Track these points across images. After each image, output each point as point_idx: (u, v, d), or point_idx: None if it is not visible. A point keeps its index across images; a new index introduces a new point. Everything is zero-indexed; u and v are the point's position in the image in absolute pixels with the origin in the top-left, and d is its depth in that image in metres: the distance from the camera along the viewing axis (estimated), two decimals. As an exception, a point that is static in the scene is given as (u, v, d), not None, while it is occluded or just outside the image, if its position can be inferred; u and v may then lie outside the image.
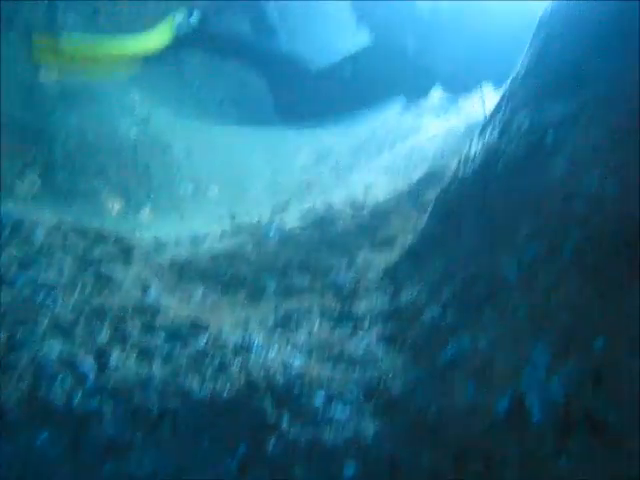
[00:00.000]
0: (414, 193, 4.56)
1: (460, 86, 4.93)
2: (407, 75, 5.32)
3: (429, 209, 3.46)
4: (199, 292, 3.69)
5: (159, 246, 4.96)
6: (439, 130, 6.17)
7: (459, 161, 3.27)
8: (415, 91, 5.44)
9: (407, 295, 3.02)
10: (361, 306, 3.23)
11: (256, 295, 3.77)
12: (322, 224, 4.74)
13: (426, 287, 2.91)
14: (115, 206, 6.05)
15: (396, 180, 5.38)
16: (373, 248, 3.95)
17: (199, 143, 7.21)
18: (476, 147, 3.17)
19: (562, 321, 2.06)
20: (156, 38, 5.95)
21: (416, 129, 6.56)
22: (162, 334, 2.89)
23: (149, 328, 2.90)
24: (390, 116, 7.16)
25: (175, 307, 3.23)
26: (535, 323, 2.17)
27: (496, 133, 3.03)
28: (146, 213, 6.12)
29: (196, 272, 3.97)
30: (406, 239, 3.67)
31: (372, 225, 4.34)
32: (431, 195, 4.19)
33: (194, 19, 5.87)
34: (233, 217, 5.85)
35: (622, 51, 2.65)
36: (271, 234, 4.81)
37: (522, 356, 2.11)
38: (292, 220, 5.07)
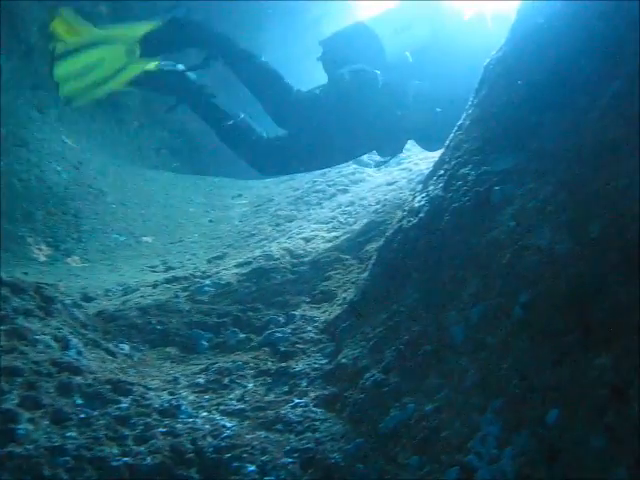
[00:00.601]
0: (355, 244, 4.44)
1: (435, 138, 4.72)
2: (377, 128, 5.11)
3: (371, 262, 3.32)
4: (126, 348, 3.44)
5: (86, 297, 4.70)
6: (380, 182, 6.10)
7: (402, 213, 3.15)
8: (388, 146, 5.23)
9: (347, 354, 2.85)
10: (299, 365, 3.04)
11: (188, 351, 3.54)
12: (260, 276, 4.56)
13: (368, 346, 2.74)
14: (42, 253, 5.75)
15: (337, 231, 5.26)
16: (312, 303, 3.78)
17: (134, 191, 6.97)
18: (420, 199, 3.05)
19: (512, 389, 1.91)
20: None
21: (357, 181, 6.48)
22: (80, 397, 2.63)
23: (65, 390, 2.64)
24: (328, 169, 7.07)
25: (97, 366, 2.97)
26: (484, 390, 2.02)
27: (441, 186, 2.93)
28: (75, 261, 5.84)
29: (124, 327, 3.73)
30: (347, 294, 3.52)
31: (312, 278, 4.19)
32: (373, 247, 4.08)
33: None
34: (167, 268, 5.64)
35: (568, 104, 2.59)
36: (206, 286, 4.61)
37: (471, 426, 1.95)
38: (229, 272, 4.88)
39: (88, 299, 4.69)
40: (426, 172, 6.04)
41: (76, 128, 7.09)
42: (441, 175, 3.04)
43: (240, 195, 7.55)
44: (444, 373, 2.24)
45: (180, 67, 5.90)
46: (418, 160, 6.48)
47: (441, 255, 2.66)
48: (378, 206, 5.33)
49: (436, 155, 6.73)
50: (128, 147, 7.81)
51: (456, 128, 3.23)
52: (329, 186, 6.50)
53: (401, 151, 5.65)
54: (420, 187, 3.32)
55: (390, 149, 5.43)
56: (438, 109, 4.79)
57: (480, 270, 2.36)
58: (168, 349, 3.57)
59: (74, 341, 3.08)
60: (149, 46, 5.72)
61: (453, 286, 2.49)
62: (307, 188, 6.69)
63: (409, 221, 3.00)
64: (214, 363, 3.24)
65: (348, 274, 3.89)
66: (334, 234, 5.21)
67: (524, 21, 2.92)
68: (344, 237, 4.92)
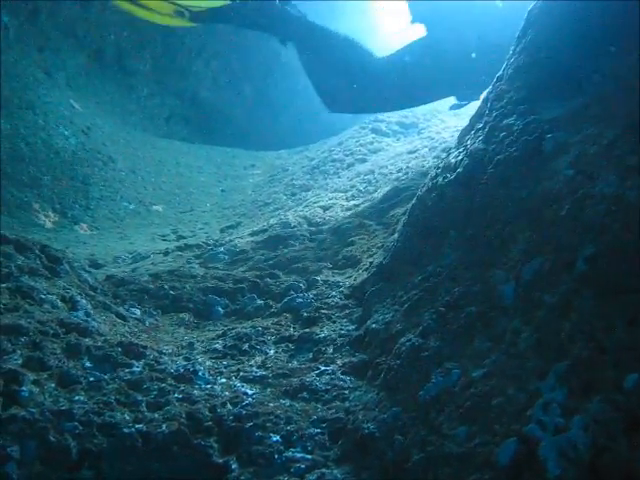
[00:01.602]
0: (378, 211, 4.21)
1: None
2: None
3: (401, 223, 3.09)
4: (137, 312, 3.23)
5: (94, 264, 4.49)
6: (401, 151, 5.85)
7: (436, 170, 2.91)
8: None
9: (378, 319, 2.62)
10: (323, 331, 2.82)
11: (202, 318, 3.33)
12: (277, 244, 4.34)
13: (401, 310, 2.51)
14: (48, 220, 5.54)
15: (356, 199, 5.03)
16: (335, 269, 3.56)
17: (144, 158, 6.74)
18: (457, 154, 2.81)
19: (578, 351, 1.68)
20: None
21: (376, 150, 6.24)
22: (88, 359, 2.42)
23: (73, 352, 2.42)
24: (347, 137, 6.84)
25: (106, 328, 2.75)
26: (543, 353, 1.79)
27: (481, 139, 2.69)
28: (83, 229, 5.62)
29: (134, 291, 3.51)
30: (373, 258, 3.29)
31: (332, 244, 3.96)
32: (398, 212, 3.85)
33: None
34: (178, 236, 5.43)
35: (621, 49, 2.35)
36: (220, 253, 4.39)
37: (529, 392, 1.73)
38: (243, 240, 4.67)
39: (97, 266, 4.49)
40: (450, 140, 5.84)
41: (85, 92, 6.86)
42: (480, 128, 2.79)
43: (253, 165, 7.32)
44: (493, 336, 2.01)
45: None
46: (440, 129, 6.23)
47: (484, 211, 2.42)
48: (400, 174, 5.09)
49: (459, 124, 6.52)
50: (138, 114, 7.57)
51: (495, 80, 2.98)
52: (346, 155, 6.26)
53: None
54: (453, 145, 3.07)
55: (471, 92, 5.21)
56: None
57: (532, 224, 2.13)
58: (182, 315, 3.36)
59: (82, 302, 2.86)
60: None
61: (499, 243, 2.25)
62: (323, 157, 6.45)
63: (445, 177, 2.76)
64: (232, 329, 3.03)
65: (373, 239, 3.66)
66: (354, 202, 4.98)
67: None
68: (365, 204, 4.68)
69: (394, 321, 2.51)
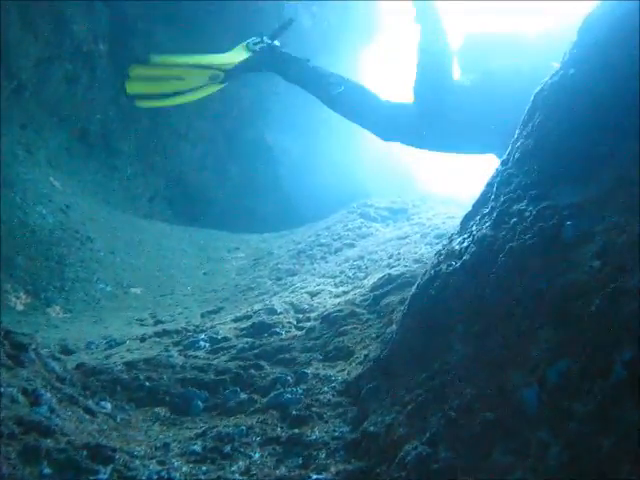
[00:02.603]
0: (370, 298, 3.98)
1: None
2: None
3: (399, 314, 2.85)
4: (108, 407, 2.93)
5: (65, 350, 4.20)
6: (390, 237, 5.68)
7: (438, 258, 2.71)
8: None
9: (377, 421, 2.35)
10: (314, 433, 2.54)
11: (180, 413, 3.03)
12: (261, 331, 4.08)
13: (404, 412, 2.25)
14: (19, 302, 5.24)
15: (345, 286, 4.81)
16: (326, 361, 3.29)
17: (124, 239, 6.52)
18: (462, 241, 2.61)
19: (624, 476, 1.43)
20: (231, 57, 5.79)
21: (364, 235, 6.07)
22: (48, 465, 2.12)
23: (31, 456, 2.12)
24: (335, 221, 6.69)
25: (72, 426, 2.46)
26: (578, 473, 1.53)
27: (488, 225, 2.50)
28: (56, 312, 5.33)
29: (106, 382, 3.22)
30: (368, 350, 3.04)
31: (322, 334, 3.71)
32: (393, 301, 3.62)
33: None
34: (156, 321, 5.15)
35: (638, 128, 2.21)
36: (201, 340, 4.12)
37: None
38: (226, 326, 4.40)
39: (67, 352, 4.19)
40: (442, 227, 5.69)
41: (66, 171, 6.68)
42: (487, 214, 2.61)
43: (237, 248, 7.11)
44: (515, 448, 1.76)
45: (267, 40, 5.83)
46: (430, 216, 6.09)
47: (496, 303, 2.20)
48: (391, 260, 4.89)
49: (449, 211, 6.41)
50: (120, 194, 7.38)
51: (500, 164, 2.83)
52: (334, 240, 6.08)
53: None
54: (455, 231, 2.88)
55: None
56: None
57: (555, 320, 1.90)
58: (157, 409, 3.06)
59: (47, 396, 2.56)
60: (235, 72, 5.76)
61: (516, 340, 2.02)
62: (310, 242, 6.27)
63: (449, 265, 2.55)
64: (212, 427, 2.73)
65: (366, 329, 3.41)
66: (343, 289, 4.76)
67: (588, 41, 2.54)
68: (355, 291, 4.46)
69: (395, 424, 2.24)
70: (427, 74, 4.98)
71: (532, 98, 2.79)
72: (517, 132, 2.82)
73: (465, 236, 2.66)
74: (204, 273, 6.37)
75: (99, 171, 7.15)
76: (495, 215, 2.52)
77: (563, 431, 1.66)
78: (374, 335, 3.24)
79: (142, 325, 5.04)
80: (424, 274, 2.77)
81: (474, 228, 2.65)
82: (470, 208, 2.92)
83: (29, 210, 5.79)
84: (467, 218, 2.84)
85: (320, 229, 6.57)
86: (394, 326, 2.81)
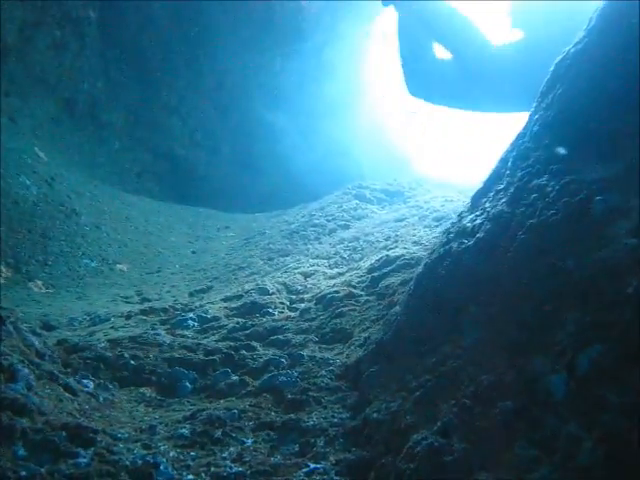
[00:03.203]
0: (368, 280, 3.81)
1: None
2: None
3: (404, 294, 2.68)
4: (90, 385, 2.75)
5: (46, 326, 4.00)
6: (387, 219, 5.51)
7: (447, 236, 2.53)
8: None
9: (380, 408, 2.18)
10: (312, 418, 2.37)
11: (167, 394, 2.86)
12: (253, 311, 3.91)
13: (411, 399, 2.08)
14: (0, 275, 5.03)
15: (340, 267, 4.64)
16: (322, 343, 3.12)
17: (111, 214, 6.31)
18: (474, 218, 2.44)
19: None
20: None
21: (360, 217, 5.89)
22: (23, 446, 1.93)
23: (5, 435, 1.94)
24: (329, 202, 6.51)
25: (51, 405, 2.27)
26: (614, 472, 1.37)
27: (504, 201, 2.32)
28: (38, 286, 5.12)
29: (89, 359, 3.03)
30: (368, 333, 2.87)
31: (317, 315, 3.54)
32: (393, 282, 3.45)
33: None
34: (142, 299, 4.96)
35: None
36: (189, 319, 3.93)
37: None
38: (215, 305, 4.22)
39: (49, 327, 4.00)
40: (441, 209, 5.52)
41: (52, 142, 6.44)
42: (501, 190, 2.44)
43: (227, 227, 6.91)
44: (539, 441, 1.59)
45: None
46: (427, 199, 5.91)
47: (515, 283, 2.03)
48: (388, 242, 4.72)
49: (447, 194, 6.23)
50: (108, 168, 7.16)
51: (515, 138, 2.65)
52: (328, 221, 5.89)
53: None
54: (466, 207, 2.71)
55: None
56: None
57: (585, 302, 1.74)
58: (143, 389, 2.88)
59: (24, 372, 2.38)
60: None
61: (538, 323, 1.85)
62: (304, 222, 6.07)
63: (461, 244, 2.38)
64: (202, 410, 2.55)
65: (365, 311, 3.24)
66: (337, 270, 4.59)
67: (616, 4, 2.36)
68: (351, 273, 4.29)
69: (402, 412, 2.07)
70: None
71: (552, 68, 2.61)
72: (535, 104, 2.65)
73: (477, 213, 2.49)
74: (193, 251, 6.18)
75: (86, 143, 6.92)
76: (512, 191, 2.35)
77: (596, 424, 1.49)
78: (374, 317, 3.07)
79: (127, 302, 4.85)
80: (431, 253, 2.60)
81: (487, 205, 2.48)
82: (480, 185, 2.75)
83: (12, 180, 5.57)
84: (478, 195, 2.66)
85: (314, 210, 6.38)
86: (397, 307, 2.64)
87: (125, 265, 5.72)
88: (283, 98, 8.20)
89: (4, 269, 5.15)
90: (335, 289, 3.78)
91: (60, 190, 5.92)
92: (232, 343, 3.32)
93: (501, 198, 2.40)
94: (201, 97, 7.70)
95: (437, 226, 4.75)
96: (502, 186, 2.47)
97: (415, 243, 4.35)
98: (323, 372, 2.68)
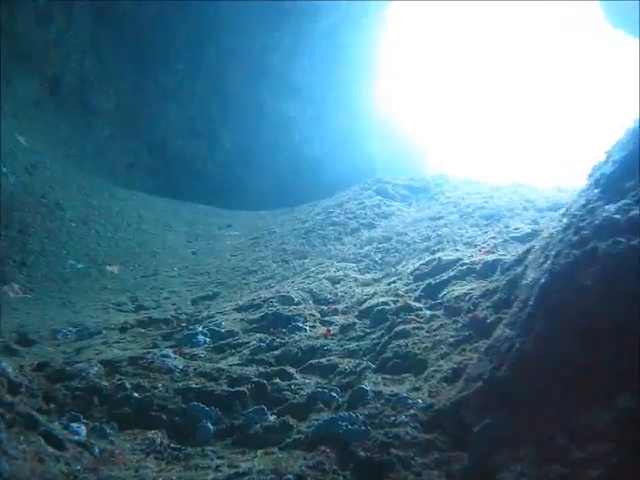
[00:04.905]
0: (421, 289, 3.11)
1: None
2: None
3: (517, 313, 1.97)
4: (80, 432, 2.03)
5: (22, 338, 3.29)
6: (418, 217, 4.81)
7: (575, 231, 1.84)
8: None
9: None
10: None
11: (182, 440, 2.15)
12: (277, 325, 3.22)
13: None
14: (-30, 277, 4.28)
15: (374, 272, 3.94)
16: (384, 373, 2.40)
17: (100, 209, 5.57)
18: (623, 208, 1.75)
19: None
20: None
21: (386, 215, 5.19)
22: None
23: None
24: (347, 198, 5.81)
25: (25, 469, 1.55)
26: None
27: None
28: (14, 291, 4.37)
29: (79, 391, 2.32)
30: (453, 362, 2.16)
31: (366, 333, 2.83)
32: (456, 292, 2.76)
33: None
34: (137, 306, 4.23)
35: None
36: (199, 334, 3.22)
37: None
38: (228, 317, 3.52)
39: (26, 342, 3.29)
40: (487, 207, 4.79)
41: (34, 126, 5.68)
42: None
43: (230, 225, 6.18)
44: None
45: None
46: (461, 195, 5.22)
47: None
48: (429, 243, 4.02)
49: (478, 190, 5.55)
50: (96, 158, 6.39)
51: None
52: (349, 219, 5.18)
53: None
54: (594, 195, 2.01)
55: None
56: None
57: None
58: (151, 433, 2.17)
59: (-9, 419, 1.66)
60: None
61: None
62: (320, 220, 5.36)
63: (616, 243, 1.68)
64: (228, 463, 1.84)
65: (436, 330, 2.53)
66: (371, 275, 3.89)
67: None
68: (390, 279, 3.59)
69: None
70: None
71: None
72: None
73: (627, 201, 1.79)
74: (193, 252, 5.45)
75: (72, 129, 6.15)
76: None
77: None
78: (452, 339, 2.36)
79: (121, 311, 4.12)
80: (556, 255, 1.89)
81: (641, 190, 1.78)
82: (609, 165, 2.05)
83: (-13, 167, 4.82)
84: (614, 179, 1.96)
85: (330, 207, 5.67)
86: (507, 330, 1.92)
87: (116, 267, 4.99)
88: (291, 84, 7.45)
89: (-25, 270, 4.41)
90: (383, 300, 3.07)
91: (42, 180, 5.19)
92: (261, 368, 2.62)
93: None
94: (202, 82, 6.95)
95: (487, 225, 4.07)
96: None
97: (468, 245, 3.66)
98: (403, 418, 1.96)
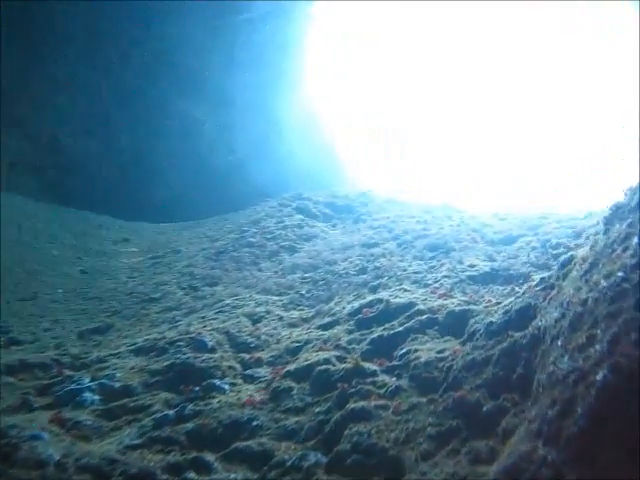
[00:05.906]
0: (368, 342, 2.52)
1: None
2: None
3: (545, 402, 1.38)
4: None
5: None
6: (348, 242, 4.23)
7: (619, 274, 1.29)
8: None
9: None
10: None
11: None
12: (188, 380, 2.56)
13: None
14: None
15: (302, 309, 3.34)
16: (343, 475, 1.77)
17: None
18: None
19: None
20: None
21: (309, 237, 4.59)
22: None
23: None
24: (263, 214, 5.19)
25: None
26: None
27: None
28: None
29: None
30: (441, 467, 1.57)
31: (307, 404, 2.20)
32: (425, 355, 2.18)
33: None
34: (8, 341, 3.45)
35: None
36: (84, 390, 2.54)
37: None
38: (125, 362, 2.85)
39: None
40: (430, 235, 4.22)
41: None
42: None
43: (126, 240, 5.39)
44: None
45: None
46: (392, 218, 4.68)
47: None
48: (367, 276, 3.46)
49: (411, 213, 5.04)
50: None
51: None
52: (267, 240, 4.53)
53: None
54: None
55: None
56: None
57: None
58: None
59: None
60: None
61: None
62: (233, 239, 4.69)
63: None
64: None
65: (408, 412, 1.92)
66: (299, 313, 3.29)
67: None
68: (326, 320, 2.99)
69: None
70: None
71: None
72: None
73: None
74: (82, 271, 4.66)
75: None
76: None
77: None
78: (433, 430, 1.76)
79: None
80: (567, 304, 1.33)
81: None
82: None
83: None
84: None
85: (244, 224, 5.02)
86: (540, 446, 1.33)
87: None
88: (202, 83, 6.71)
89: None
90: (324, 356, 2.46)
91: None
92: (170, 457, 1.94)
93: None
94: (98, 74, 6.12)
95: (433, 257, 3.54)
96: None
97: (417, 283, 3.11)
98: None
